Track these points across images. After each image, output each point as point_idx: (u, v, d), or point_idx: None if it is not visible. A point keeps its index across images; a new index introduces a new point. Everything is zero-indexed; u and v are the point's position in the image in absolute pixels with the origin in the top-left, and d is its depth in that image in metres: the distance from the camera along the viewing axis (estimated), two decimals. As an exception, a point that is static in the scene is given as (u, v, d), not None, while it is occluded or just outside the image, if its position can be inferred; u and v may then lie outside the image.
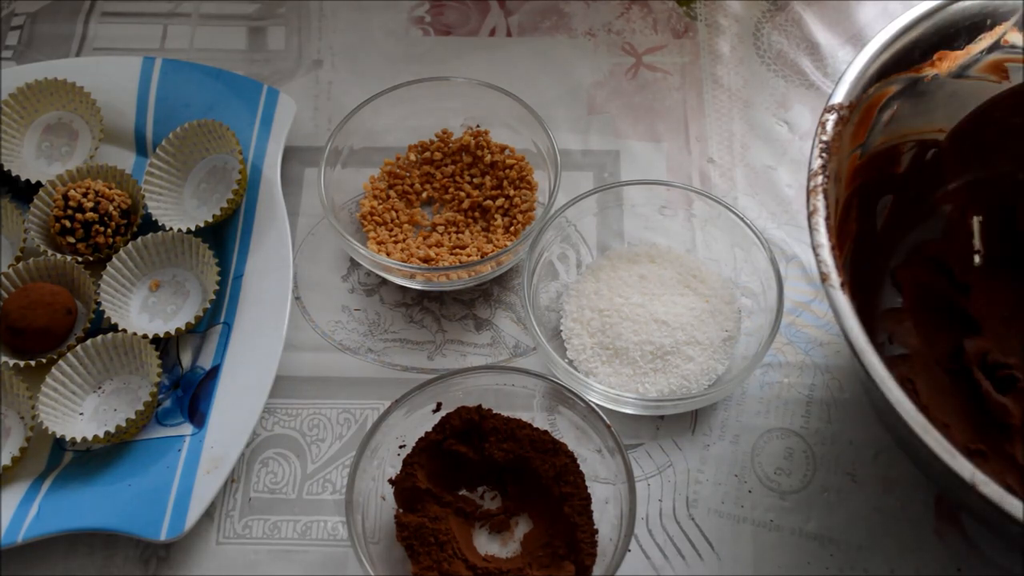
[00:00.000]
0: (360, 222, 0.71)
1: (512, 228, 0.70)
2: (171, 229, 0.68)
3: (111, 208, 0.67)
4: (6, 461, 0.60)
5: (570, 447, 0.60)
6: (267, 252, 0.68)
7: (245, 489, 0.62)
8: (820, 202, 0.55)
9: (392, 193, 0.73)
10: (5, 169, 0.71)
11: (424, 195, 0.73)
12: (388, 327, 0.68)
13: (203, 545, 0.60)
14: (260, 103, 0.73)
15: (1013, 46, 0.63)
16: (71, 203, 0.67)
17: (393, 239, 0.70)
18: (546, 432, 0.60)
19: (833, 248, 0.53)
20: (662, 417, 0.64)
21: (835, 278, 0.52)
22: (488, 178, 0.72)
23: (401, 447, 0.60)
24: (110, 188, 0.69)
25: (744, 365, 0.62)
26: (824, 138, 0.57)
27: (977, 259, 0.67)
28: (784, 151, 0.76)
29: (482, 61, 0.79)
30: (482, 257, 0.68)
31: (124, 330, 0.64)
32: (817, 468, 0.62)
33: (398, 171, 0.73)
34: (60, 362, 0.63)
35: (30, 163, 0.73)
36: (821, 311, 0.68)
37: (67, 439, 0.61)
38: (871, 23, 0.81)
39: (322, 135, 0.74)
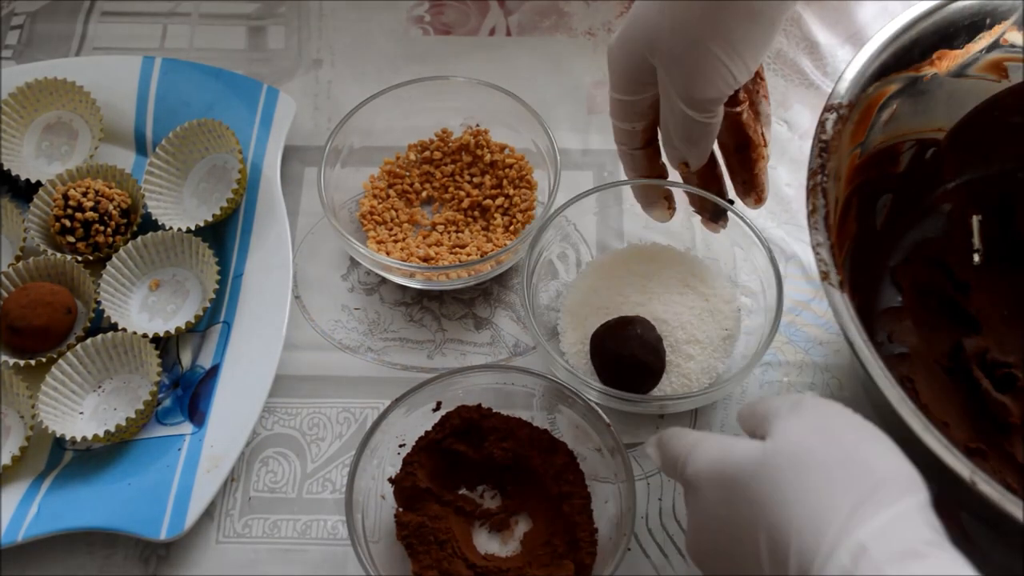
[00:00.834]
0: (360, 221, 0.71)
1: (512, 227, 0.70)
2: (171, 228, 0.68)
3: (111, 208, 0.67)
4: (6, 461, 0.60)
5: (570, 446, 0.60)
6: (267, 251, 0.68)
7: (245, 488, 0.62)
8: (820, 201, 0.55)
9: (392, 192, 0.73)
10: (5, 169, 0.71)
11: (424, 194, 0.73)
12: (388, 326, 0.68)
13: (203, 544, 0.60)
14: (260, 103, 0.73)
15: (1012, 45, 0.62)
16: (71, 203, 0.67)
17: (393, 238, 0.70)
18: (546, 431, 0.60)
19: (833, 247, 0.53)
20: (662, 416, 0.64)
21: (835, 277, 0.52)
22: (488, 177, 0.72)
23: (401, 446, 0.60)
24: (110, 188, 0.69)
25: (744, 364, 0.62)
26: (824, 137, 0.57)
27: (977, 258, 0.67)
28: (784, 150, 0.75)
29: (482, 61, 0.79)
30: (482, 256, 0.68)
31: (124, 329, 0.64)
32: (817, 467, 0.62)
33: (398, 170, 0.73)
34: (60, 361, 0.63)
35: (30, 163, 0.73)
36: (821, 310, 0.68)
37: (67, 438, 0.61)
38: (871, 22, 0.81)
39: (322, 134, 0.74)
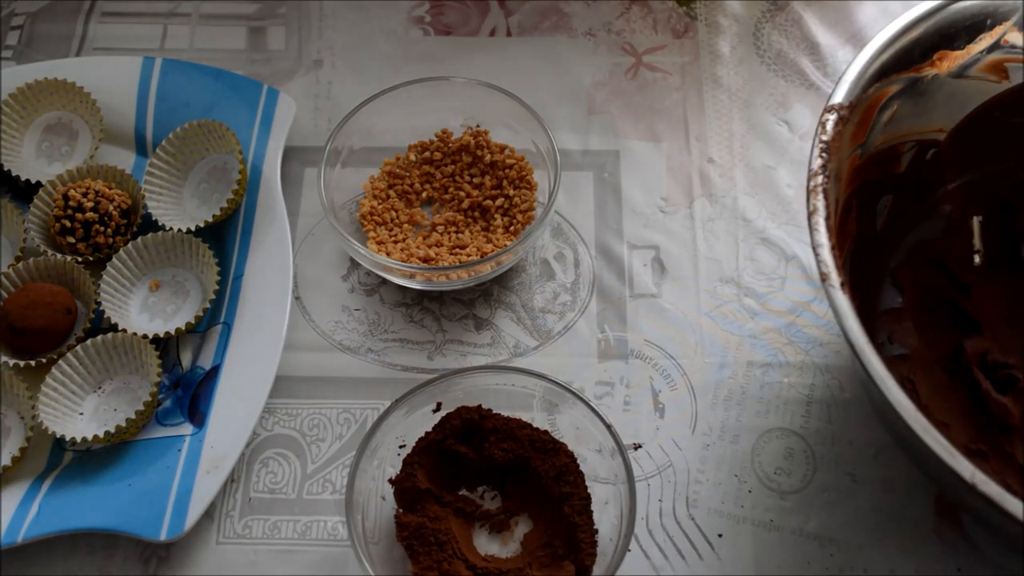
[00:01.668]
0: (360, 222, 0.71)
1: (512, 228, 0.70)
2: (171, 229, 0.68)
3: (111, 208, 0.67)
4: (6, 461, 0.60)
5: (570, 447, 0.60)
6: (267, 252, 0.68)
7: (245, 489, 0.62)
8: (820, 202, 0.55)
9: (392, 193, 0.73)
10: (5, 169, 0.71)
11: (424, 195, 0.73)
12: (388, 327, 0.68)
13: (203, 545, 0.60)
14: (260, 103, 0.73)
15: (1013, 46, 0.63)
16: (71, 203, 0.67)
17: (393, 239, 0.70)
18: (546, 432, 0.60)
19: (833, 248, 0.53)
20: (662, 415, 0.64)
21: (835, 278, 0.52)
22: (488, 178, 0.72)
23: (401, 447, 0.60)
24: (110, 188, 0.69)
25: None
26: (824, 138, 0.57)
27: (977, 259, 0.67)
28: (784, 151, 0.76)
29: (482, 61, 0.79)
30: (482, 257, 0.68)
31: (124, 330, 0.64)
32: (817, 468, 0.62)
33: (398, 171, 0.73)
34: (60, 362, 0.63)
35: (30, 163, 0.73)
36: (821, 311, 0.68)
37: (67, 439, 0.61)
38: (871, 23, 0.81)
39: (322, 135, 0.74)
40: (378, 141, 0.73)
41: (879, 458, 0.62)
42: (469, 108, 0.74)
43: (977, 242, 0.67)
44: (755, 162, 0.75)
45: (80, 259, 0.67)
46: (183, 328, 0.65)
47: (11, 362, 0.63)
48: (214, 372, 0.64)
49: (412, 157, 0.74)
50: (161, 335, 0.65)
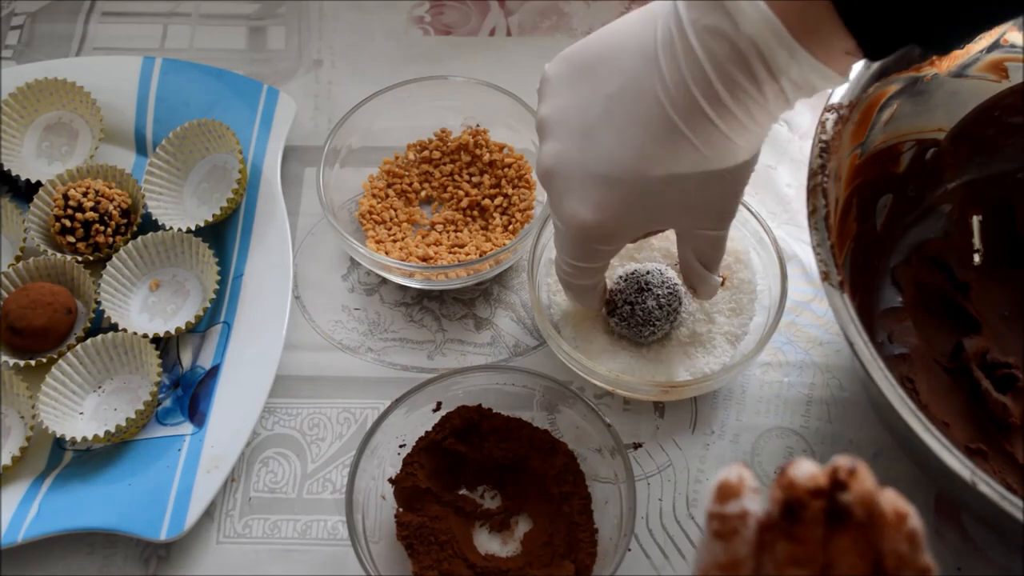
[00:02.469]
0: (359, 221, 0.71)
1: (511, 227, 0.70)
2: (171, 229, 0.68)
3: (111, 208, 0.67)
4: (6, 461, 0.60)
5: (570, 447, 0.60)
6: (267, 252, 0.68)
7: (245, 488, 0.62)
8: (820, 201, 0.55)
9: (391, 192, 0.73)
10: (5, 169, 0.71)
11: (423, 194, 0.73)
12: (388, 326, 0.68)
13: (203, 545, 0.60)
14: (260, 103, 0.73)
15: (1012, 45, 0.62)
16: (71, 203, 0.67)
17: (392, 238, 0.70)
18: (546, 432, 0.60)
19: (833, 247, 0.53)
20: (662, 415, 0.64)
21: (835, 277, 0.52)
22: (487, 177, 0.72)
23: (401, 446, 0.60)
24: (110, 188, 0.69)
25: (745, 356, 0.62)
26: (824, 137, 0.57)
27: (977, 258, 0.67)
28: (784, 151, 0.75)
29: (482, 61, 0.79)
30: (481, 256, 0.68)
31: (124, 330, 0.64)
32: (817, 467, 0.62)
33: (397, 170, 0.73)
34: (60, 362, 0.63)
35: (30, 163, 0.73)
36: (821, 310, 0.68)
37: (67, 439, 0.61)
38: (871, 22, 0.81)
39: (322, 135, 0.74)
40: (377, 140, 0.73)
41: (879, 458, 0.62)
42: (468, 107, 0.74)
43: (977, 242, 0.67)
44: (755, 162, 0.75)
45: (80, 259, 0.67)
46: (183, 328, 0.65)
47: (11, 362, 0.63)
48: (214, 372, 0.64)
49: (411, 156, 0.74)
50: (161, 335, 0.65)
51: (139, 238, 0.68)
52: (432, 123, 0.74)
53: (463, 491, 0.61)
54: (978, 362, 0.62)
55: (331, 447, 0.64)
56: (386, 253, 0.68)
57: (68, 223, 0.67)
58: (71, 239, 0.67)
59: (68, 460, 0.63)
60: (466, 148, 0.73)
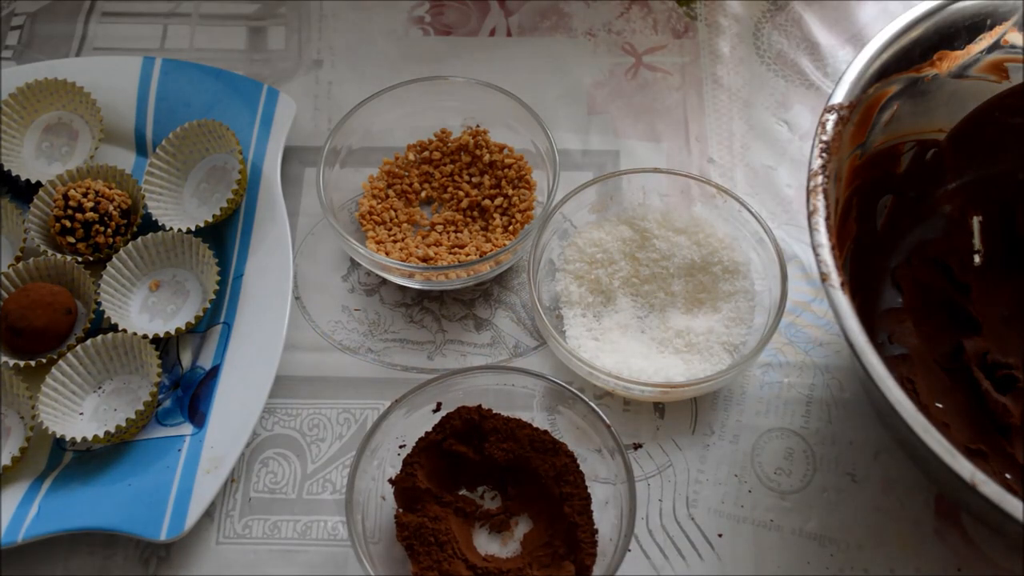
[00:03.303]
0: (359, 221, 0.71)
1: (511, 227, 0.70)
2: (171, 229, 0.68)
3: (111, 208, 0.67)
4: (6, 461, 0.60)
5: (570, 447, 0.60)
6: (267, 252, 0.68)
7: (245, 489, 0.62)
8: (820, 202, 0.55)
9: (391, 192, 0.73)
10: (5, 169, 0.71)
11: (423, 194, 0.73)
12: (388, 327, 0.68)
13: (203, 545, 0.60)
14: (260, 103, 0.73)
15: (1013, 46, 0.63)
16: (71, 203, 0.67)
17: (392, 238, 0.70)
18: (546, 432, 0.60)
19: (833, 248, 0.53)
20: (662, 416, 0.64)
21: (835, 278, 0.52)
22: (487, 177, 0.72)
23: (401, 447, 0.60)
24: (110, 188, 0.69)
25: (745, 357, 0.62)
26: (824, 138, 0.57)
27: (977, 259, 0.67)
28: (784, 151, 0.76)
29: (482, 61, 0.79)
30: (481, 256, 0.68)
31: (124, 330, 0.64)
32: (817, 468, 0.62)
33: (397, 170, 0.73)
34: (60, 362, 0.63)
35: (30, 163, 0.73)
36: (821, 311, 0.68)
37: (67, 439, 0.61)
38: (871, 23, 0.81)
39: (322, 135, 0.74)
40: (377, 141, 0.73)
41: (879, 458, 0.62)
42: (468, 108, 0.74)
43: (977, 242, 0.67)
44: (755, 162, 0.75)
45: (80, 259, 0.67)
46: (183, 328, 0.65)
47: (11, 362, 0.63)
48: (214, 372, 0.64)
49: (411, 157, 0.74)
50: (161, 335, 0.65)
51: (139, 238, 0.68)
52: (432, 123, 0.74)
53: (463, 492, 0.61)
54: (978, 363, 0.62)
55: (331, 448, 0.64)
56: (386, 254, 0.68)
57: (68, 223, 0.67)
58: (71, 239, 0.67)
59: (68, 460, 0.63)
60: (466, 148, 0.73)
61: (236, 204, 0.70)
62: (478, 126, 0.74)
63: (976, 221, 0.67)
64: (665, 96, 0.78)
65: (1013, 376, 0.62)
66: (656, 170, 0.70)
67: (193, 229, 0.68)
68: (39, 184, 0.70)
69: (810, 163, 0.56)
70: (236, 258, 0.69)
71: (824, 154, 0.56)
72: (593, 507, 0.58)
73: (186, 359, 0.66)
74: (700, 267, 0.67)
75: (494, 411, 0.61)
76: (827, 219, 0.54)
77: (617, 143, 0.76)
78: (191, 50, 0.81)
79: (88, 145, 0.73)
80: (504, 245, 0.69)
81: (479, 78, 0.72)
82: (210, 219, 0.69)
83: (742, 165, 0.75)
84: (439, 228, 0.71)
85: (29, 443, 0.62)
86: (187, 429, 0.63)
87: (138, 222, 0.69)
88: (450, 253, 0.69)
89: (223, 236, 0.70)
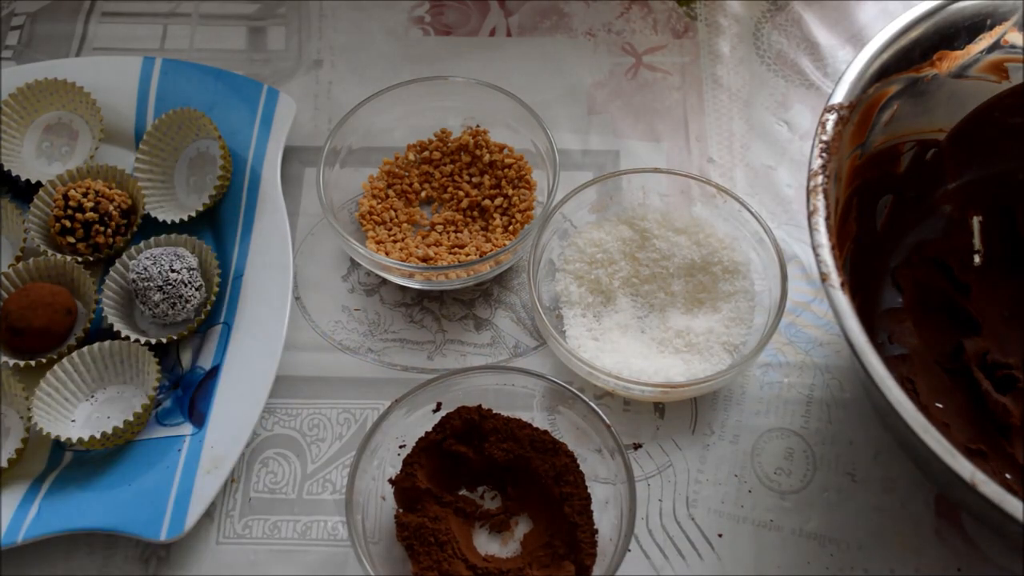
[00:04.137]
0: (359, 221, 0.71)
1: (511, 227, 0.70)
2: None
3: (111, 208, 0.67)
4: (4, 463, 0.60)
5: (570, 447, 0.60)
6: (267, 252, 0.68)
7: (245, 489, 0.62)
8: (820, 202, 0.55)
9: (391, 192, 0.73)
10: (5, 169, 0.71)
11: (423, 194, 0.73)
12: (388, 327, 0.68)
13: (203, 545, 0.60)
14: (260, 103, 0.73)
15: (1013, 46, 0.63)
16: (71, 203, 0.67)
17: (392, 238, 0.70)
18: (546, 432, 0.60)
19: (833, 248, 0.53)
20: (662, 416, 0.64)
21: (835, 278, 0.52)
22: (487, 177, 0.72)
23: (401, 447, 0.60)
24: (110, 188, 0.69)
25: (744, 357, 0.62)
26: (824, 138, 0.57)
27: (977, 259, 0.67)
28: (784, 151, 0.76)
29: (482, 61, 0.79)
30: (481, 256, 0.68)
31: (127, 337, 0.64)
32: (817, 468, 0.62)
33: (397, 170, 0.73)
34: (55, 367, 0.63)
35: (30, 163, 0.73)
36: (821, 311, 0.68)
37: (62, 439, 0.61)
38: (871, 23, 0.81)
39: (322, 135, 0.74)
40: (377, 141, 0.73)
41: (879, 458, 0.62)
42: (468, 108, 0.74)
43: (977, 242, 0.67)
44: (755, 162, 0.75)
45: (80, 259, 0.67)
46: (185, 333, 0.65)
47: (11, 362, 0.63)
48: (214, 372, 0.64)
49: (411, 157, 0.74)
50: (164, 341, 0.65)
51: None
52: (432, 123, 0.74)
53: (463, 492, 0.61)
54: (978, 363, 0.62)
55: (331, 448, 0.64)
56: (386, 254, 0.68)
57: (68, 223, 0.67)
58: (71, 239, 0.67)
59: (68, 461, 0.62)
60: (466, 148, 0.73)
61: (224, 187, 0.70)
62: (478, 126, 0.74)
63: (976, 221, 0.67)
64: (665, 96, 0.78)
65: (1013, 376, 0.62)
66: (656, 170, 0.70)
67: (186, 220, 0.69)
68: (39, 184, 0.70)
69: (810, 163, 0.56)
70: (236, 258, 0.69)
71: (824, 154, 0.56)
72: (593, 507, 0.58)
73: (186, 359, 0.66)
74: (700, 267, 0.67)
75: (494, 411, 0.61)
76: (827, 219, 0.54)
77: (617, 143, 0.76)
78: (191, 50, 0.81)
79: (88, 145, 0.73)
80: (504, 245, 0.69)
81: (479, 78, 0.72)
82: (200, 208, 0.69)
83: (742, 165, 0.75)
84: (439, 228, 0.71)
85: (26, 444, 0.61)
86: (187, 429, 0.63)
87: (138, 222, 0.69)
88: (450, 253, 0.69)
89: (223, 236, 0.70)
